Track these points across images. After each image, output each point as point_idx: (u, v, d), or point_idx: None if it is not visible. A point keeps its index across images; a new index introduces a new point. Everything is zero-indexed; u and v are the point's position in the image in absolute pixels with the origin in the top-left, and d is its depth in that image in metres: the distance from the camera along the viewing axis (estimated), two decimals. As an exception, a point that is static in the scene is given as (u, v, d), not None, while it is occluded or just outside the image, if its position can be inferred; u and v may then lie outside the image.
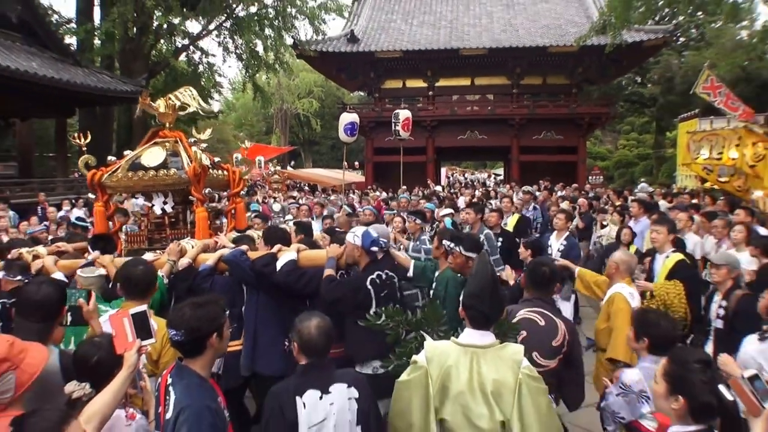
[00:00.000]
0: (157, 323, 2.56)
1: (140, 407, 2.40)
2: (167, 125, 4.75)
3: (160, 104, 4.73)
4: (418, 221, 6.43)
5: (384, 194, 15.83)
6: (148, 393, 2.38)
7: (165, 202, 4.52)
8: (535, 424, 2.14)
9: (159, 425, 2.17)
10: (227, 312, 2.43)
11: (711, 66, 14.14)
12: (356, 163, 35.62)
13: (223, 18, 20.22)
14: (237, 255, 3.73)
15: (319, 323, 2.39)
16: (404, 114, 13.40)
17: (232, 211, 5.08)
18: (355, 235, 3.85)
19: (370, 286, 3.67)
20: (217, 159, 5.29)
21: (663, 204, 7.64)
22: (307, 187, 21.61)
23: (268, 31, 20.66)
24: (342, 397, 2.31)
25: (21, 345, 2.04)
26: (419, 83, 23.87)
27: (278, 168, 19.46)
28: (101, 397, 2.08)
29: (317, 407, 2.25)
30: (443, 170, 31.56)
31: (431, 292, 4.12)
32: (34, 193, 12.45)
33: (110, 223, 4.73)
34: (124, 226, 5.48)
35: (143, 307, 2.30)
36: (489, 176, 36.67)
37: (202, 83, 22.11)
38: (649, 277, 4.97)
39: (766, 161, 8.26)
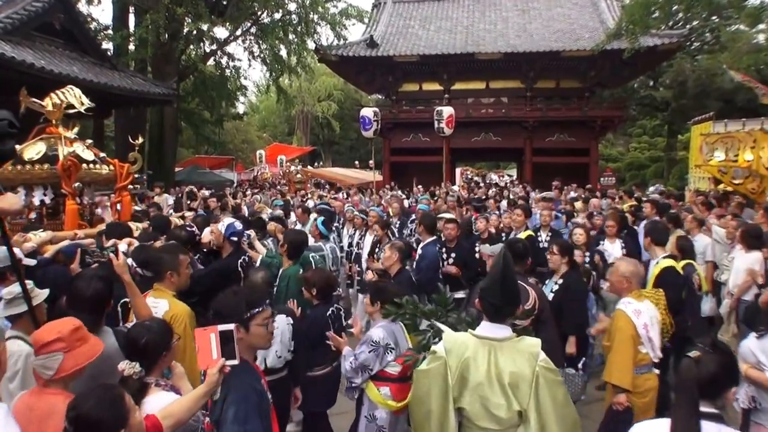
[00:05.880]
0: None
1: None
2: (54, 122, 4.89)
3: (48, 102, 4.84)
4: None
5: (399, 192, 15.80)
6: (178, 376, 2.44)
7: (44, 194, 4.73)
8: (551, 413, 2.15)
9: (207, 406, 2.21)
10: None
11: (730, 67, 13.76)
12: (370, 162, 35.53)
13: (249, 24, 20.37)
14: (75, 248, 3.77)
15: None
16: (448, 111, 13.11)
17: (117, 204, 5.21)
18: (223, 225, 4.41)
19: (240, 269, 4.21)
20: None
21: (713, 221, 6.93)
22: (327, 186, 21.71)
23: (291, 37, 20.78)
24: (283, 322, 3.34)
25: (82, 334, 2.11)
26: (435, 86, 23.77)
27: (300, 167, 19.55)
28: (182, 402, 2.10)
29: None
30: (458, 171, 31.41)
31: (275, 286, 4.49)
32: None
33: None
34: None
35: (231, 326, 2.19)
36: (501, 176, 36.33)
37: (229, 86, 22.33)
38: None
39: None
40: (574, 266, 4.79)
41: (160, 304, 3.10)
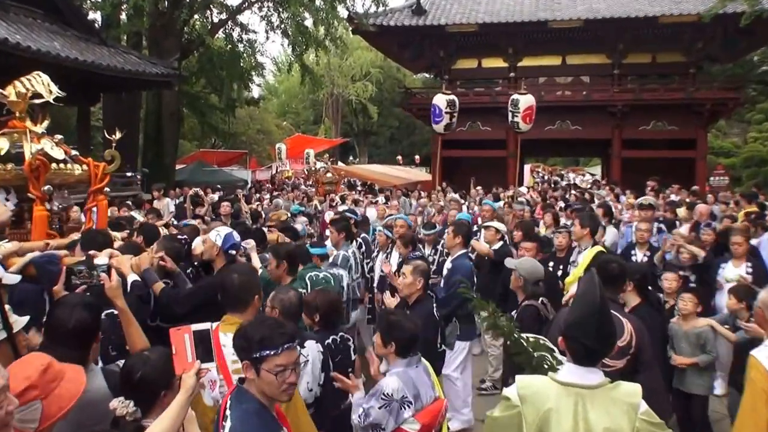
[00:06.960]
0: None
1: None
2: (18, 114, 5.00)
3: (10, 91, 4.98)
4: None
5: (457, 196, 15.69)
6: (187, 420, 2.46)
7: (7, 199, 4.82)
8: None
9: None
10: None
11: None
12: (417, 157, 35.69)
13: (268, -13, 20.72)
14: (49, 259, 3.76)
15: (296, 295, 3.65)
16: (527, 101, 12.97)
17: (92, 210, 5.32)
18: (218, 235, 4.55)
19: None
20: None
21: None
22: (360, 186, 21.82)
23: (318, 2, 20.99)
24: (314, 350, 3.53)
25: (55, 372, 2.14)
26: (498, 63, 23.81)
27: (330, 163, 19.62)
28: (158, 425, 2.14)
29: None
30: (526, 167, 31.14)
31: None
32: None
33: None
34: None
35: (207, 325, 2.36)
36: (581, 175, 35.82)
37: (242, 64, 22.70)
38: None
39: None
40: (647, 298, 4.73)
41: None
